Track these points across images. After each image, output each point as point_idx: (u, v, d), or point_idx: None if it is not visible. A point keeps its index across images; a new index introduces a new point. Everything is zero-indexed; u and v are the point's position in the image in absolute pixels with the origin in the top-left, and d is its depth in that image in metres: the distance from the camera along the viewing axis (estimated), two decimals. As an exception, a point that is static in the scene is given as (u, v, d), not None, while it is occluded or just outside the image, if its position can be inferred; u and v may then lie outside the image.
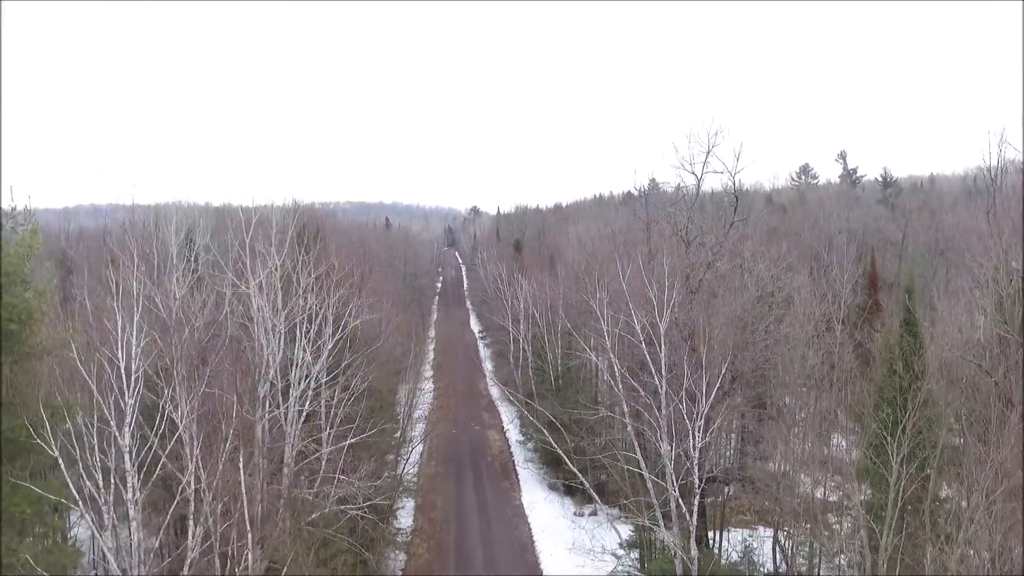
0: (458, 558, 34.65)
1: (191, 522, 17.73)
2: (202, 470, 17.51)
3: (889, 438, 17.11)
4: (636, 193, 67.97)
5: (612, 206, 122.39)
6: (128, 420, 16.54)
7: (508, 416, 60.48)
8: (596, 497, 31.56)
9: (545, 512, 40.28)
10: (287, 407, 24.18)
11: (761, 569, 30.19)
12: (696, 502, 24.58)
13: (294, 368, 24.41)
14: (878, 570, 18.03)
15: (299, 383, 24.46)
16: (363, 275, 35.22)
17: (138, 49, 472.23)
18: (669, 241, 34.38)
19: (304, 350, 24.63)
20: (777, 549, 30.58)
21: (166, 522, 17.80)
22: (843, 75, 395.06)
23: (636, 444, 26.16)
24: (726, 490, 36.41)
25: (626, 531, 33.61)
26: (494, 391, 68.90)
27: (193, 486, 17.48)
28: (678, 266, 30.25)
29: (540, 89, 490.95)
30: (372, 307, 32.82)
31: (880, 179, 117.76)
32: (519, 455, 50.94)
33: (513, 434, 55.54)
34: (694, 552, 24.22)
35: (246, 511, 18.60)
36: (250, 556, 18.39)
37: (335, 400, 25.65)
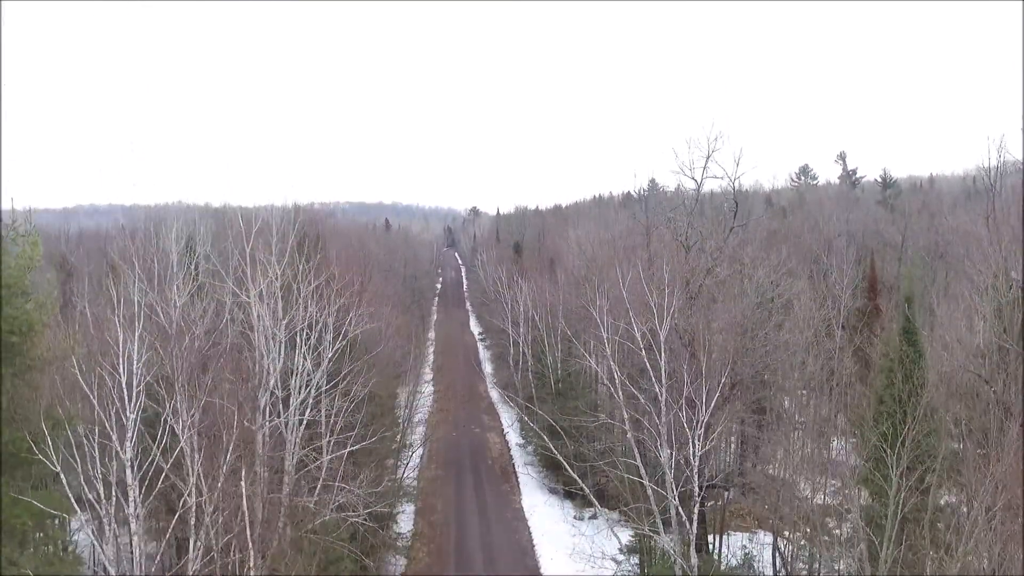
0: (458, 562, 34.70)
1: (192, 533, 17.73)
2: (203, 482, 17.51)
3: (889, 451, 17.14)
4: (636, 196, 68.02)
5: (612, 207, 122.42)
6: (130, 435, 16.54)
7: (508, 419, 60.49)
8: (596, 502, 31.60)
9: (545, 516, 40.29)
10: (287, 416, 24.18)
11: (761, 574, 30.25)
12: (696, 510, 24.60)
13: (295, 376, 24.41)
14: (878, 579, 18.06)
15: (300, 391, 24.46)
16: (363, 283, 35.19)
17: (138, 49, 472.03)
18: (669, 247, 34.40)
19: (305, 358, 24.63)
20: (776, 555, 30.62)
21: (168, 536, 17.79)
22: (843, 76, 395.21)
23: (636, 451, 26.18)
24: (726, 495, 36.45)
25: (626, 536, 33.64)
26: (494, 394, 68.92)
27: (195, 498, 17.48)
28: (678, 272, 30.27)
29: (540, 90, 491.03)
30: (372, 315, 32.79)
31: (880, 180, 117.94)
32: (519, 458, 50.95)
33: (513, 437, 55.55)
34: (694, 560, 24.25)
35: (247, 522, 18.61)
36: (251, 567, 18.39)
37: (335, 408, 25.65)
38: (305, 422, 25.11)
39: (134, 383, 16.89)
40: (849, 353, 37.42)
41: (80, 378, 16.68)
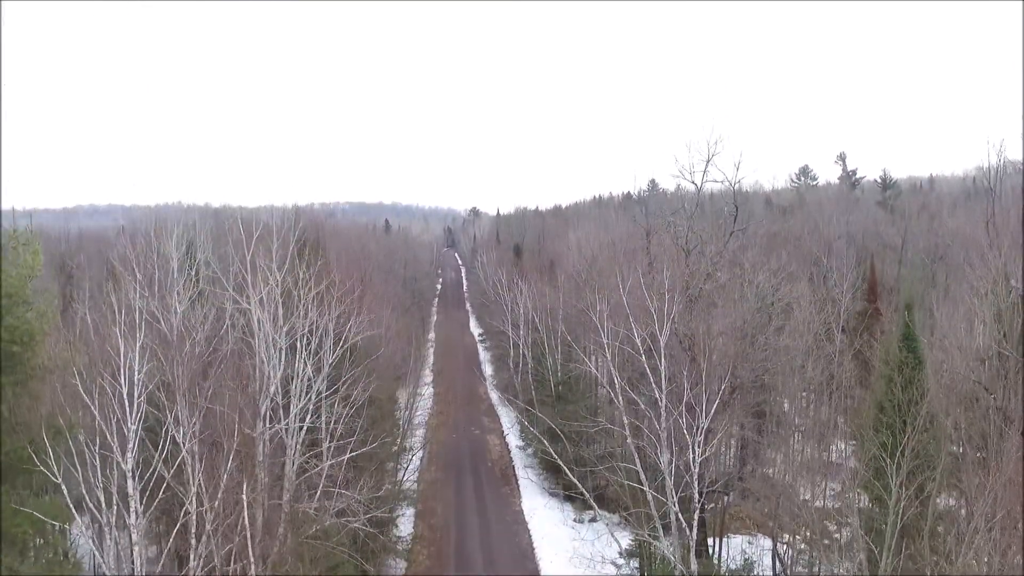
0: (458, 565, 34.72)
1: (193, 541, 17.73)
2: (204, 490, 17.51)
3: (888, 461, 17.14)
4: (636, 197, 68.02)
5: (611, 207, 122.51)
6: (131, 445, 16.53)
7: (508, 421, 60.47)
8: (595, 506, 31.61)
9: (545, 518, 40.30)
10: (288, 422, 24.19)
11: (761, 578, 30.28)
12: (696, 515, 24.60)
13: (295, 382, 24.41)
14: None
15: (300, 397, 24.46)
16: (363, 289, 35.18)
17: (138, 49, 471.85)
18: (669, 251, 34.40)
19: (305, 363, 24.63)
20: (776, 559, 30.65)
21: (169, 546, 17.80)
22: (843, 76, 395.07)
23: (636, 456, 26.18)
24: (725, 498, 36.46)
25: (626, 540, 33.66)
26: (494, 395, 68.89)
27: (196, 507, 17.47)
28: (678, 276, 30.27)
29: (540, 90, 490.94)
30: (372, 321, 32.79)
31: (880, 180, 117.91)
32: (519, 460, 50.93)
33: (513, 439, 55.53)
34: (694, 565, 24.25)
35: (248, 530, 18.61)
36: (252, 575, 18.40)
37: (335, 413, 25.65)
38: (305, 428, 25.12)
39: (135, 394, 16.88)
40: (849, 356, 37.46)
41: (81, 389, 16.66)
